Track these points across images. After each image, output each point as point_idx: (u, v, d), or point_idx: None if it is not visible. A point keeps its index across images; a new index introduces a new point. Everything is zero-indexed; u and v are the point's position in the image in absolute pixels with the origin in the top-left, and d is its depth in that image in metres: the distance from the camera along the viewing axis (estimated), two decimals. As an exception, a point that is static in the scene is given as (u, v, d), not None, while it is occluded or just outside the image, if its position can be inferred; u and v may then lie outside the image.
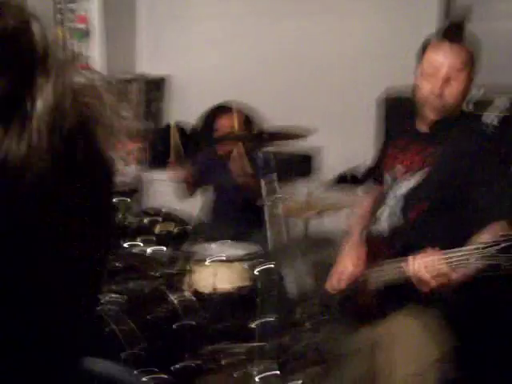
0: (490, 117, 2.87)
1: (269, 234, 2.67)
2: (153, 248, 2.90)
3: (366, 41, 4.14)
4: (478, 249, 1.49)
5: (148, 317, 2.54)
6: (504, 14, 3.84)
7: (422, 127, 2.02)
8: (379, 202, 2.11)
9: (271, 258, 2.75)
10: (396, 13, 4.01)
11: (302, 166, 4.25)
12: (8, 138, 0.34)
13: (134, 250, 2.93)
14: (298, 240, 3.66)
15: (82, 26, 4.69)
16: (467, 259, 1.51)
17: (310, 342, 3.12)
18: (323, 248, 3.84)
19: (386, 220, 2.03)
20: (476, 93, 2.92)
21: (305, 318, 3.24)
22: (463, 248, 1.54)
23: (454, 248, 1.60)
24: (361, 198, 2.33)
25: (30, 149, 0.34)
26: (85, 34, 4.67)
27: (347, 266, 2.08)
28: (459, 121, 1.95)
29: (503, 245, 1.44)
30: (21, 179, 0.34)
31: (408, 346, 1.85)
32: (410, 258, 1.71)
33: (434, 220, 1.91)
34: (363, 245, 2.09)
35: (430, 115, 1.96)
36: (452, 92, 1.89)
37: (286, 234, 3.88)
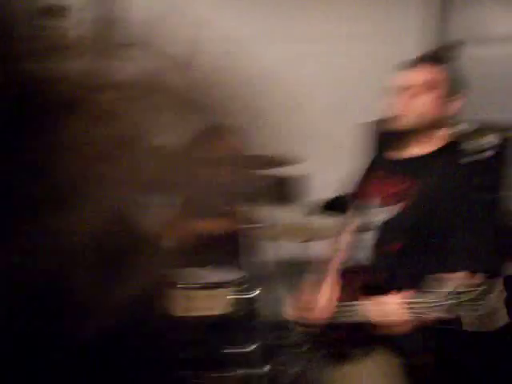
0: (479, 152, 2.87)
1: (248, 259, 2.66)
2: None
3: (355, 66, 4.21)
4: (439, 300, 1.48)
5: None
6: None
7: (404, 157, 2.02)
8: (356, 232, 2.11)
9: (250, 283, 2.73)
10: (383, 40, 4.10)
11: (287, 190, 4.28)
12: None
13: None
14: (280, 265, 3.66)
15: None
16: (426, 310, 1.50)
17: (290, 369, 3.11)
18: (307, 273, 3.83)
19: (362, 250, 2.04)
20: (464, 127, 2.94)
21: (286, 345, 3.23)
22: (424, 298, 1.53)
23: (423, 288, 1.58)
24: (342, 226, 2.31)
25: None
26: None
27: (318, 297, 2.09)
28: (442, 154, 1.94)
29: (463, 298, 1.42)
30: None
31: None
32: (372, 301, 1.72)
33: (406, 257, 1.89)
34: (337, 278, 2.09)
35: (402, 135, 1.97)
36: (416, 106, 1.91)
37: (269, 259, 3.89)
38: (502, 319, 1.38)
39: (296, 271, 3.22)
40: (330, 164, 4.21)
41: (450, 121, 2.01)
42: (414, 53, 3.76)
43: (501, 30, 3.91)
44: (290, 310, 2.17)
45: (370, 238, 2.01)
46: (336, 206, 3.98)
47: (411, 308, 1.58)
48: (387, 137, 2.16)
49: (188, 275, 2.96)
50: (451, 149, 1.96)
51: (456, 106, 1.98)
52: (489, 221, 1.82)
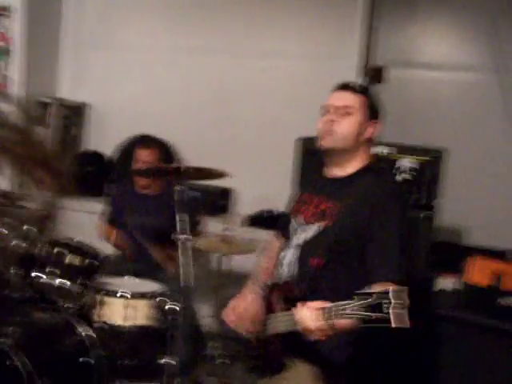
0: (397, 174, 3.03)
1: (181, 270, 2.68)
2: (61, 280, 2.83)
3: (289, 83, 4.28)
4: (352, 302, 1.56)
5: (54, 350, 2.48)
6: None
7: (328, 177, 2.13)
8: (284, 247, 2.18)
9: (183, 293, 2.76)
10: (320, 58, 4.18)
11: (218, 201, 4.31)
12: None
13: (42, 280, 2.86)
14: (212, 275, 3.70)
15: (1, 43, 4.59)
16: (344, 311, 1.58)
17: (221, 379, 3.16)
18: (237, 284, 3.89)
19: (286, 266, 2.11)
20: (382, 151, 3.09)
21: (217, 355, 3.27)
22: (343, 302, 1.60)
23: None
24: (270, 240, 2.38)
25: None
26: (5, 53, 4.58)
27: (245, 311, 2.15)
28: (361, 176, 2.06)
29: (373, 301, 1.51)
30: None
31: None
32: (298, 306, 1.76)
33: (328, 272, 1.98)
34: (262, 293, 2.15)
35: (325, 155, 2.09)
36: (337, 128, 2.03)
37: (200, 270, 3.92)
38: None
39: (221, 283, 3.29)
40: (259, 178, 4.32)
41: (369, 144, 2.12)
42: (348, 73, 3.95)
43: (426, 56, 4.14)
44: (221, 322, 2.22)
45: (294, 254, 2.09)
46: (262, 220, 4.07)
47: (330, 313, 1.65)
48: (315, 156, 2.27)
49: (111, 284, 2.96)
50: (370, 171, 2.08)
51: (375, 130, 2.10)
52: (398, 235, 1.94)
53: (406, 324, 1.47)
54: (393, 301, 1.47)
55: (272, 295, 2.08)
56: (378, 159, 2.16)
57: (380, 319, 1.48)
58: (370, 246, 1.93)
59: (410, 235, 2.01)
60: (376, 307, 1.50)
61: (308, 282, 1.98)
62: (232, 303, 2.23)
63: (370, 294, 1.52)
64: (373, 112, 2.09)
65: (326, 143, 2.06)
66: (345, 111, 2.04)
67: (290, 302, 1.87)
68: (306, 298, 1.85)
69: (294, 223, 2.15)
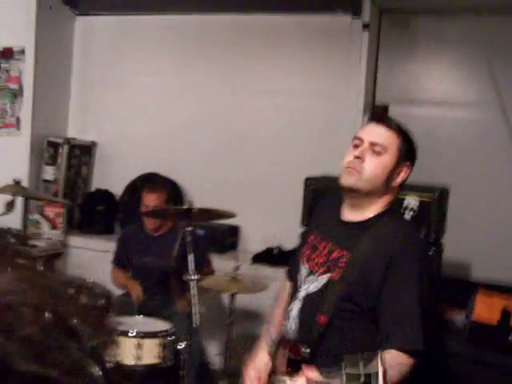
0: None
1: (192, 309, 2.71)
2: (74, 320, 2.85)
3: (297, 121, 4.33)
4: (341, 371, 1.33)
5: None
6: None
7: (342, 220, 1.90)
8: (292, 295, 1.97)
9: (193, 332, 2.79)
10: (326, 97, 4.23)
11: (227, 239, 4.33)
12: None
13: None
14: (221, 314, 3.71)
15: (14, 86, 4.69)
16: None
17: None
18: (248, 322, 3.90)
19: (294, 318, 1.90)
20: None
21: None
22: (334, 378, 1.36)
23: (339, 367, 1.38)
24: (282, 285, 2.20)
25: None
26: (18, 94, 4.67)
27: (251, 368, 2.00)
28: (379, 221, 1.82)
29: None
30: None
31: None
32: (299, 375, 1.56)
33: (333, 331, 1.79)
34: (271, 349, 1.99)
35: (344, 194, 1.87)
36: (365, 167, 1.79)
37: (210, 309, 3.93)
38: None
39: (230, 321, 3.30)
40: (267, 217, 4.35)
41: (397, 189, 1.89)
42: (354, 112, 4.00)
43: (427, 93, 4.21)
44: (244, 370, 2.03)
45: (301, 308, 1.89)
46: (271, 257, 4.08)
47: None
48: (330, 195, 2.08)
49: (122, 324, 2.98)
50: (388, 215, 1.85)
51: (406, 174, 1.86)
52: (417, 297, 1.73)
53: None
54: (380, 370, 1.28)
55: (278, 353, 1.95)
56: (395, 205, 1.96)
57: None
58: (384, 306, 1.71)
59: (429, 294, 1.82)
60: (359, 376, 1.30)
61: (314, 342, 1.80)
62: (252, 366, 2.01)
63: (356, 359, 1.31)
64: (407, 153, 1.84)
65: (348, 181, 1.81)
66: (377, 149, 1.79)
67: (295, 365, 1.73)
68: (312, 359, 1.73)
69: (302, 271, 1.93)
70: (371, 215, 1.84)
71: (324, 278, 1.84)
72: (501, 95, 3.92)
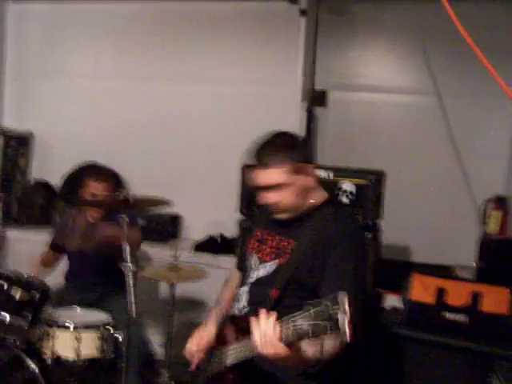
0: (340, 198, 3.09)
1: (130, 298, 2.68)
2: (8, 314, 2.78)
3: (235, 109, 4.34)
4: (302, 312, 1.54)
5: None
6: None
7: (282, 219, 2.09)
8: (241, 281, 2.19)
9: (133, 323, 2.76)
10: (264, 84, 4.25)
11: (168, 228, 4.32)
12: None
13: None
14: (162, 303, 3.69)
15: None
16: (295, 322, 1.55)
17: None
18: (190, 311, 3.90)
19: (245, 299, 2.11)
20: (324, 174, 3.16)
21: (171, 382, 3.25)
22: (295, 313, 1.57)
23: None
24: (231, 271, 2.41)
25: None
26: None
27: (194, 342, 2.17)
28: (319, 212, 2.04)
29: (322, 308, 1.48)
30: None
31: None
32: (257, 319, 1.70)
33: (283, 306, 1.95)
34: (219, 326, 2.14)
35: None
36: (283, 203, 2.01)
37: (150, 298, 3.90)
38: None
39: (171, 311, 3.29)
40: (207, 204, 4.35)
41: (314, 187, 2.08)
42: (292, 98, 4.04)
43: (365, 79, 4.28)
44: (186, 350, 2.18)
45: (251, 289, 2.10)
46: (210, 247, 4.09)
47: (287, 324, 1.60)
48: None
49: (57, 316, 2.94)
50: (327, 206, 2.08)
51: (312, 174, 2.05)
52: (352, 274, 1.93)
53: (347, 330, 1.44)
54: (342, 307, 1.45)
55: (227, 328, 2.07)
56: (320, 182, 2.12)
57: (330, 327, 1.46)
58: (325, 283, 1.92)
59: (364, 277, 2.04)
60: (325, 313, 1.47)
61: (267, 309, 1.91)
62: (196, 335, 2.19)
63: (320, 302, 1.50)
64: (303, 162, 2.00)
65: (282, 218, 2.05)
66: (277, 187, 1.98)
67: (247, 334, 1.81)
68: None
69: (252, 261, 2.16)
70: (307, 209, 2.06)
71: (273, 264, 2.07)
72: (436, 82, 4.02)
